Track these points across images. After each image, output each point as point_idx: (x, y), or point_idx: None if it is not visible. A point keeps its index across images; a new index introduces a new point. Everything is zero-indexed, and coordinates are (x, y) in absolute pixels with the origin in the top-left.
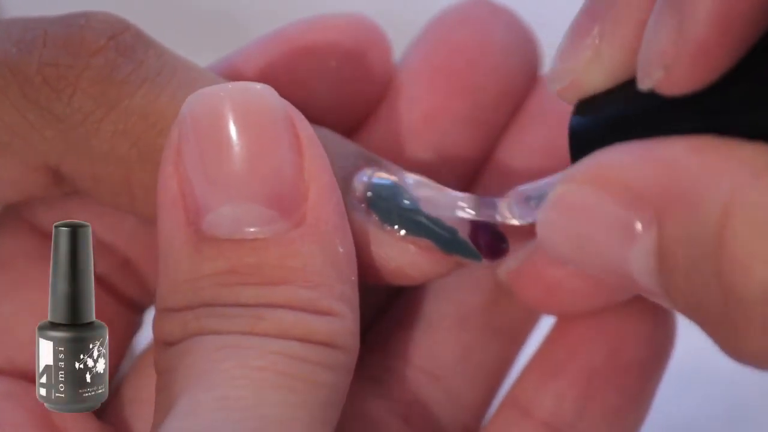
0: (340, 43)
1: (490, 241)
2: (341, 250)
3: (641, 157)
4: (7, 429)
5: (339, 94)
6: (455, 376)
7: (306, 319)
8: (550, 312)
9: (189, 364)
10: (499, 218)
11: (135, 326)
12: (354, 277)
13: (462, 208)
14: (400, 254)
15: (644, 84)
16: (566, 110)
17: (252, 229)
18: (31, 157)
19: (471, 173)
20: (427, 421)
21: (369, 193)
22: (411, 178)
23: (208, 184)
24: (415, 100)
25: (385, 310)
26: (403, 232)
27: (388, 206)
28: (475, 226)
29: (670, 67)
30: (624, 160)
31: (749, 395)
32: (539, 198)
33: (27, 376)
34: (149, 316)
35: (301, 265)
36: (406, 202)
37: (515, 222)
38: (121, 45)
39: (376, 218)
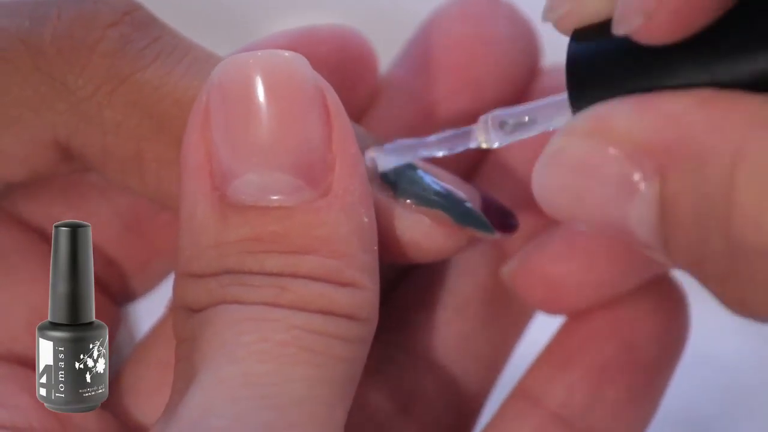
0: (328, 55)
1: (500, 218)
2: (366, 220)
3: (644, 110)
4: (10, 411)
5: None
6: (454, 365)
7: (329, 291)
8: (553, 311)
9: (211, 335)
10: (473, 145)
11: (119, 320)
12: (376, 247)
13: (436, 148)
14: (414, 226)
15: (619, 30)
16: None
17: (278, 197)
18: (41, 132)
19: (471, 166)
20: (426, 409)
21: (383, 165)
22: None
23: (235, 151)
24: (416, 95)
25: (385, 300)
26: (417, 204)
27: (402, 179)
28: (486, 204)
29: (651, 14)
30: (626, 113)
31: (745, 380)
32: (515, 124)
33: (27, 364)
34: (130, 311)
35: (327, 234)
36: (420, 174)
37: (492, 145)
38: (137, 20)
39: (391, 191)
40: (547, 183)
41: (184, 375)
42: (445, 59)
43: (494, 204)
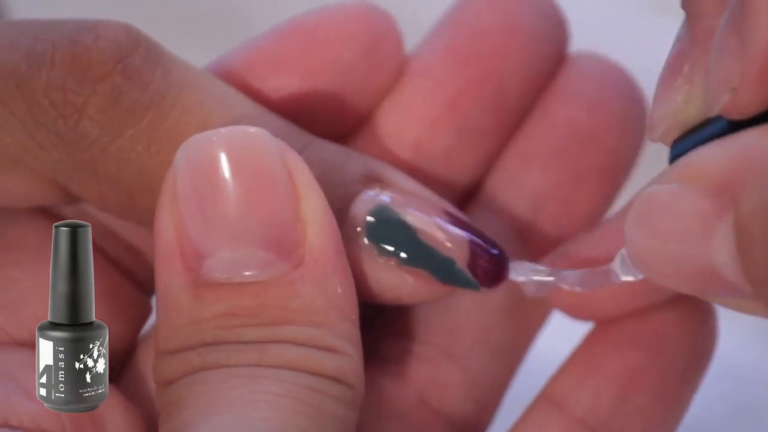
0: (355, 33)
1: (489, 267)
2: (340, 290)
3: (718, 149)
4: (37, 402)
5: (351, 84)
6: (473, 357)
7: (313, 353)
8: (582, 317)
9: (200, 392)
10: (615, 282)
11: (148, 308)
12: (355, 317)
13: (574, 285)
14: (397, 284)
15: (713, 110)
16: (591, 91)
17: (251, 273)
18: (40, 173)
19: (492, 155)
20: (443, 400)
21: (367, 220)
22: (413, 192)
23: (206, 230)
24: (441, 85)
25: None
26: (400, 262)
27: (385, 237)
28: (474, 252)
29: (735, 90)
30: (703, 154)
31: (755, 392)
32: None
33: None
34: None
35: (302, 306)
36: (405, 232)
37: (638, 277)
38: (129, 68)
39: (374, 249)
40: (637, 241)
41: (173, 429)
42: (471, 47)
43: (483, 250)
